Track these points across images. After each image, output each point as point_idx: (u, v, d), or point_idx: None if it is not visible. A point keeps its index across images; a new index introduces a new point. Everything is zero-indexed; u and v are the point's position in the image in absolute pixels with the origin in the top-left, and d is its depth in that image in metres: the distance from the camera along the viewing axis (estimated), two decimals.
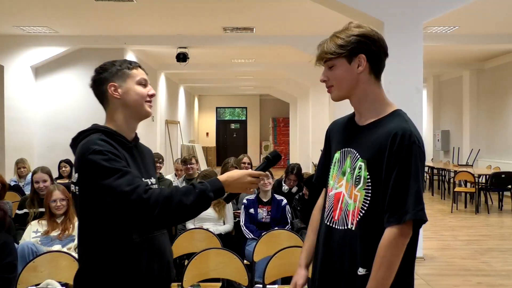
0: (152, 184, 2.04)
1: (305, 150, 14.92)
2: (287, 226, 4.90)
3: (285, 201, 5.09)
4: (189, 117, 21.12)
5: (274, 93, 20.58)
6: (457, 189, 10.79)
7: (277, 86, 18.21)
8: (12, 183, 7.34)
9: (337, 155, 1.95)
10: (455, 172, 10.83)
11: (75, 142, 2.00)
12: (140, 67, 2.12)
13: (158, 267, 2.01)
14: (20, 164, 7.67)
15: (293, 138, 19.36)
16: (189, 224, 4.97)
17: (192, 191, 1.85)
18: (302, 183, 5.62)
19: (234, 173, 1.99)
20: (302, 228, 4.89)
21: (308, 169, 12.74)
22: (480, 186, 10.38)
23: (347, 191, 1.87)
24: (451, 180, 11.94)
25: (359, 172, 1.83)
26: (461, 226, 8.73)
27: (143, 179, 1.96)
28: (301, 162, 10.94)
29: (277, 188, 5.85)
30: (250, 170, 2.03)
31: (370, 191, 1.80)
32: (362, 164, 1.83)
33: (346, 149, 1.92)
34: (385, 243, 1.72)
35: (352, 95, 1.89)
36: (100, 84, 2.06)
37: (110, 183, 1.81)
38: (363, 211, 1.80)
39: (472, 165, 12.82)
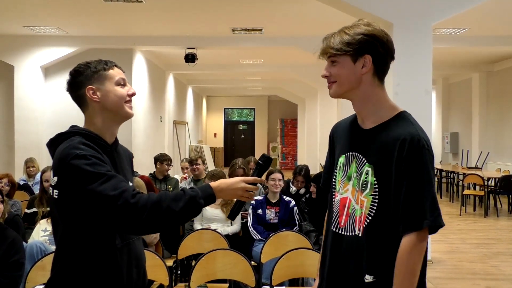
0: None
1: (313, 152, 14.89)
2: (295, 228, 4.89)
3: (293, 202, 5.09)
4: (197, 117, 21.16)
5: (282, 94, 20.56)
6: (466, 192, 10.72)
7: (285, 87, 18.19)
8: (21, 182, 7.39)
9: (341, 160, 1.90)
10: (464, 175, 10.76)
11: (53, 143, 1.93)
12: (116, 66, 2.04)
13: (136, 272, 1.99)
14: (29, 164, 7.72)
15: (301, 140, 19.33)
16: (197, 225, 4.98)
17: (182, 197, 1.79)
18: (310, 183, 5.61)
19: (227, 179, 1.94)
20: (311, 231, 4.88)
21: (315, 170, 12.71)
22: (489, 189, 10.30)
23: (354, 197, 1.82)
24: (460, 183, 11.87)
25: (366, 178, 1.78)
26: (469, 229, 8.67)
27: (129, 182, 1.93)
28: (309, 163, 10.92)
29: (285, 189, 5.84)
30: (244, 177, 1.96)
31: (377, 197, 1.75)
32: (369, 169, 1.78)
33: (351, 153, 1.86)
34: (406, 251, 1.67)
35: (353, 95, 1.84)
36: (78, 88, 2.00)
37: (94, 188, 1.73)
38: (370, 217, 1.76)
39: (481, 168, 12.73)
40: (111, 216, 1.74)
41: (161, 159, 6.63)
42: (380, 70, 1.82)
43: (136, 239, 2.03)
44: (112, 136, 2.02)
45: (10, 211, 4.22)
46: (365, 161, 1.80)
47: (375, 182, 1.76)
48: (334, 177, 1.93)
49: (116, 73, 2.00)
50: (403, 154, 1.70)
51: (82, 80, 1.99)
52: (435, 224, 1.68)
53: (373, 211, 1.75)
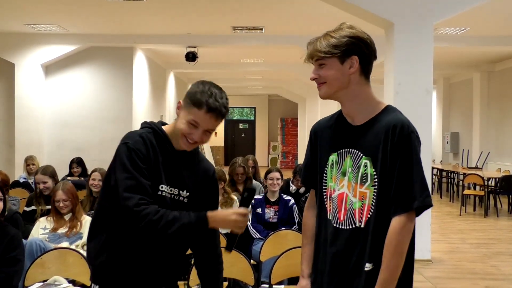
0: (177, 195, 2.09)
1: None
2: (294, 227, 4.89)
3: (292, 201, 5.08)
4: None
5: (283, 93, 20.56)
6: (466, 192, 10.72)
7: (286, 86, 18.19)
8: (22, 180, 7.39)
9: (333, 157, 1.96)
10: (464, 175, 10.76)
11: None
12: (216, 113, 2.03)
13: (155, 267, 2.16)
14: (29, 161, 7.72)
15: (302, 139, 19.34)
16: None
17: (178, 220, 1.94)
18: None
19: (221, 211, 2.09)
20: None
21: None
22: (489, 189, 10.30)
23: (350, 191, 1.89)
24: (460, 183, 11.87)
25: (365, 170, 1.86)
26: (469, 229, 8.67)
27: (162, 186, 2.04)
28: None
29: (285, 188, 5.84)
30: (236, 208, 2.07)
31: (377, 187, 1.82)
32: (367, 161, 1.85)
33: (344, 150, 1.93)
34: (395, 231, 1.77)
35: (342, 95, 1.92)
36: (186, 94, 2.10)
37: (118, 178, 1.97)
38: (373, 208, 1.83)
39: (481, 168, 12.73)
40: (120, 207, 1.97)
41: None
42: (366, 69, 1.91)
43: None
44: (179, 145, 2.09)
45: (10, 208, 4.22)
46: (361, 154, 1.88)
47: (374, 173, 1.83)
48: (325, 174, 1.99)
49: (197, 114, 2.01)
50: (394, 139, 1.80)
51: (187, 92, 2.09)
52: (424, 204, 1.78)
53: (376, 201, 1.82)
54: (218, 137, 24.24)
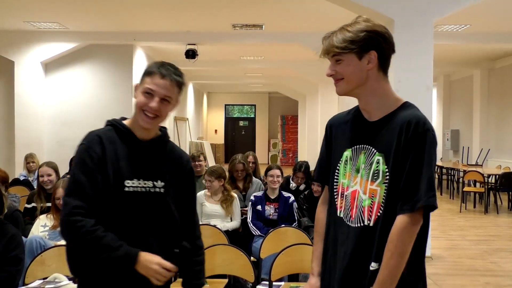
0: (152, 187, 2.02)
1: (314, 148, 14.88)
2: (294, 224, 4.89)
3: (292, 198, 5.09)
4: (198, 114, 21.15)
5: (283, 90, 20.55)
6: (466, 188, 10.72)
7: (286, 83, 18.17)
8: (22, 178, 7.39)
9: (347, 153, 1.90)
10: (464, 172, 10.75)
11: None
12: (164, 74, 1.98)
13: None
14: (29, 159, 7.72)
15: (302, 136, 19.33)
16: None
17: (107, 250, 1.87)
18: (311, 180, 5.61)
19: (151, 256, 1.93)
20: (310, 226, 4.88)
21: None
22: (489, 186, 10.30)
23: (361, 188, 1.83)
24: (460, 180, 11.87)
25: (377, 167, 1.80)
26: (469, 226, 8.67)
27: (128, 181, 1.97)
28: (309, 159, 10.91)
29: (285, 185, 5.85)
30: (162, 260, 1.94)
31: (388, 185, 1.76)
32: (380, 158, 1.80)
33: (358, 146, 1.87)
34: (397, 231, 1.71)
35: (360, 92, 1.85)
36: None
37: (71, 176, 1.99)
38: (383, 206, 1.77)
39: (481, 165, 12.72)
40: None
41: None
42: (384, 64, 1.85)
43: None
44: (144, 134, 2.04)
45: (10, 205, 4.22)
46: (375, 150, 1.82)
47: (386, 170, 1.77)
48: (337, 170, 1.93)
49: (149, 81, 1.98)
50: (408, 135, 1.74)
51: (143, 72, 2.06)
52: (427, 204, 1.70)
53: (385, 199, 1.77)
54: (218, 135, 24.27)
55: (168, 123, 13.90)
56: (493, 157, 13.39)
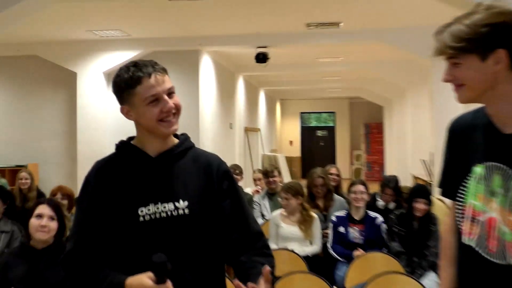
0: (174, 210, 1.87)
1: (403, 161, 14.49)
2: (384, 249, 4.75)
3: (380, 218, 4.95)
4: (271, 124, 21.29)
5: (366, 95, 20.26)
6: None
7: (368, 87, 17.91)
8: None
9: (479, 170, 1.71)
10: None
11: None
12: (150, 72, 1.87)
13: None
14: None
15: (388, 147, 18.93)
16: (272, 244, 4.95)
17: (97, 282, 1.81)
18: (401, 197, 5.43)
19: (143, 280, 1.71)
20: (401, 253, 4.68)
21: (406, 182, 12.35)
22: None
23: (501, 217, 1.64)
24: None
25: None
26: None
27: (142, 209, 1.85)
28: (399, 174, 10.62)
29: (371, 204, 5.71)
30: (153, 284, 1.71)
31: None
32: None
33: (491, 163, 1.68)
34: None
35: (487, 98, 1.68)
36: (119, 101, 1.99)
37: (76, 212, 2.07)
38: None
39: None
40: None
41: (231, 170, 6.68)
42: None
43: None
44: (156, 148, 1.96)
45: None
46: None
47: None
48: (464, 188, 1.76)
49: (145, 89, 1.86)
50: None
51: (116, 96, 1.98)
52: None
53: None
54: (293, 146, 24.30)
55: (237, 134, 14.10)
56: None
